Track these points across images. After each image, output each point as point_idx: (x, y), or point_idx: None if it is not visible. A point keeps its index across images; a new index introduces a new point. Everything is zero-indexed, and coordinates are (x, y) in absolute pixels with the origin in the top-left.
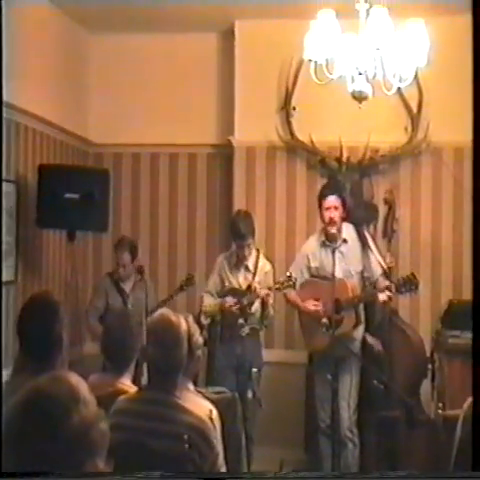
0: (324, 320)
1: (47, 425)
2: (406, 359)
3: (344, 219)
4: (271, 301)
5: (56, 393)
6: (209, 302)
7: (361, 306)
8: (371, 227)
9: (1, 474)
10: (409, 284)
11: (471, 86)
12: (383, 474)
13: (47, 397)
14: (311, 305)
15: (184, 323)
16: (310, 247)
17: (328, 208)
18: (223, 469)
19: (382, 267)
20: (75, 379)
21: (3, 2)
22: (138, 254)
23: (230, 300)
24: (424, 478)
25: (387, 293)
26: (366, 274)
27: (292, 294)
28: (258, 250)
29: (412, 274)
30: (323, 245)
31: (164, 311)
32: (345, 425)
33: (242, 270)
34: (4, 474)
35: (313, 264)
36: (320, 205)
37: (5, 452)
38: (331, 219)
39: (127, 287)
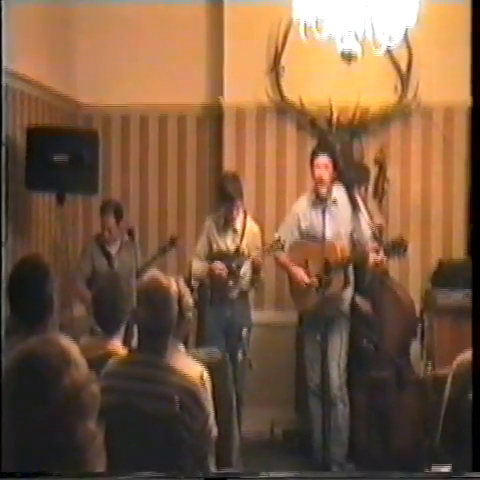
0: (313, 279)
1: (38, 387)
2: (396, 319)
3: (334, 180)
4: (261, 263)
5: (47, 355)
6: (198, 266)
7: (350, 268)
8: (362, 188)
9: (1, 474)
10: (398, 247)
11: (463, 46)
12: (387, 474)
13: (38, 359)
14: (300, 273)
15: (174, 285)
16: (300, 207)
17: (318, 166)
18: (214, 430)
19: (371, 229)
20: (66, 341)
21: (3, 2)
22: (123, 216)
23: (219, 265)
24: (424, 478)
25: (377, 256)
26: (356, 236)
27: (282, 256)
28: (245, 212)
29: (400, 237)
30: (313, 205)
31: (154, 273)
32: (335, 385)
33: (230, 232)
34: (4, 474)
35: (303, 224)
36: (312, 163)
37: None
38: (320, 177)
39: (113, 250)
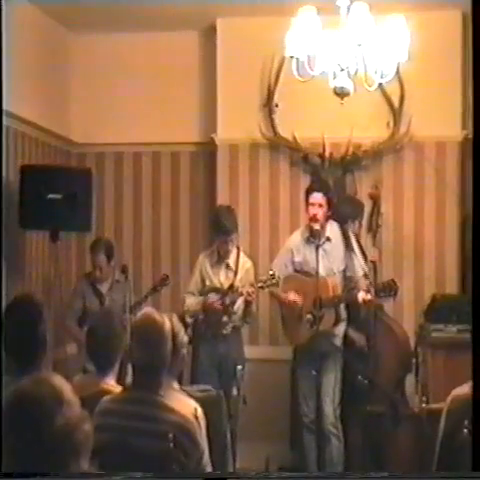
0: (308, 316)
1: (31, 427)
2: (391, 353)
3: (329, 217)
4: (254, 299)
5: (39, 395)
6: (191, 302)
7: (342, 305)
8: (356, 223)
9: (1, 474)
10: (388, 290)
11: (455, 81)
12: (374, 475)
13: (30, 400)
14: (292, 295)
15: (168, 322)
16: (294, 241)
17: (312, 204)
18: (209, 467)
19: (363, 268)
20: (58, 381)
21: (3, 2)
22: (114, 254)
23: (213, 297)
24: (424, 478)
25: (366, 295)
26: (348, 273)
27: (276, 290)
28: (238, 248)
29: (392, 280)
30: (307, 241)
31: (148, 310)
32: (329, 420)
33: (223, 268)
34: (4, 474)
35: (297, 258)
36: (306, 201)
37: None
38: (314, 216)
39: (104, 288)
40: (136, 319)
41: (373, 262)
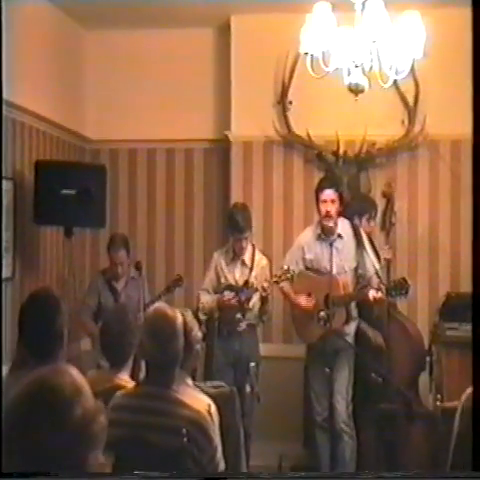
0: (322, 314)
1: (51, 417)
2: (405, 352)
3: (340, 214)
4: (269, 296)
5: (60, 385)
6: (206, 299)
7: (353, 303)
8: (369, 221)
9: (1, 474)
10: (400, 288)
11: (470, 79)
12: (382, 474)
13: (51, 388)
14: (303, 300)
15: (180, 316)
16: (306, 238)
17: (325, 201)
18: (222, 464)
19: (375, 266)
20: (76, 372)
21: (3, 2)
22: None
23: (228, 294)
24: (425, 478)
25: (377, 293)
26: (360, 271)
27: (287, 287)
28: (253, 245)
29: (403, 278)
30: (319, 238)
31: (160, 305)
32: (341, 419)
33: (239, 265)
34: (4, 474)
35: (308, 256)
36: (317, 198)
37: (7, 445)
38: (327, 212)
39: (119, 285)
40: (148, 314)
41: (387, 260)
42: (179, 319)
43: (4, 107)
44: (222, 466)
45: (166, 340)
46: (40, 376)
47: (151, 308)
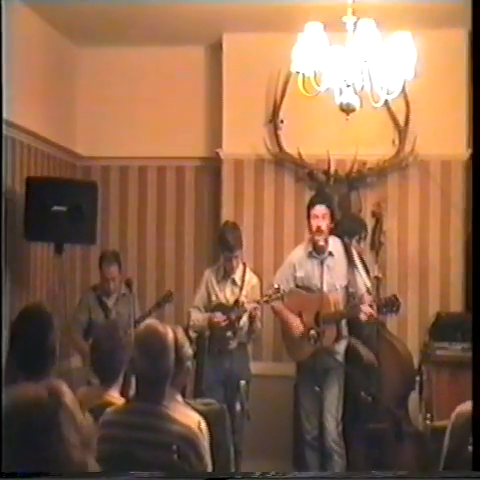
0: (312, 332)
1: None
2: (394, 371)
3: (332, 231)
4: (259, 315)
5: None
6: (197, 317)
7: (343, 321)
8: (361, 242)
9: (1, 474)
10: (390, 305)
11: (461, 100)
12: (379, 474)
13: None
14: (295, 323)
15: (171, 333)
16: (297, 256)
17: (316, 216)
18: None
19: (366, 285)
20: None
21: (3, 2)
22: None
23: (219, 316)
24: (423, 478)
25: (369, 311)
26: (351, 289)
27: (279, 305)
28: (244, 264)
29: (394, 296)
30: (310, 256)
31: (151, 321)
32: (331, 437)
33: (229, 284)
34: (4, 474)
35: (299, 274)
36: (308, 214)
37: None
38: (318, 227)
39: (110, 302)
40: (139, 330)
41: (377, 278)
42: (170, 335)
43: None
44: None
45: (157, 356)
46: (31, 397)
47: (142, 325)
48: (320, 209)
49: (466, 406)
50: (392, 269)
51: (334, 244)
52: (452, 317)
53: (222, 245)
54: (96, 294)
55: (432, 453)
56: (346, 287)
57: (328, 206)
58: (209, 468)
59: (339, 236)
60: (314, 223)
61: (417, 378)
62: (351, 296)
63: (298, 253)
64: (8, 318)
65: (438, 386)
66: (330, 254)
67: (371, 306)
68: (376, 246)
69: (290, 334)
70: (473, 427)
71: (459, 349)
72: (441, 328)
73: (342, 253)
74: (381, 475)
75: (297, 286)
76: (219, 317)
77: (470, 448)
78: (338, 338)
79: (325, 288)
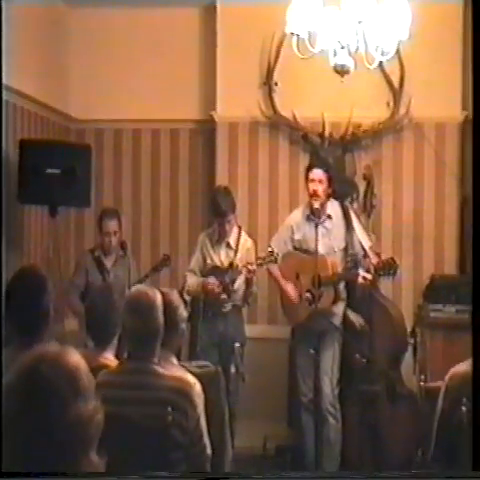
0: (307, 294)
1: (44, 418)
2: (386, 333)
3: (329, 195)
4: (254, 278)
5: (56, 379)
6: (192, 281)
7: (341, 283)
8: (353, 203)
9: (1, 474)
10: (388, 268)
11: (456, 62)
12: (379, 474)
13: (46, 382)
14: (293, 291)
15: (159, 295)
16: (295, 219)
17: (312, 180)
18: (206, 441)
19: (363, 248)
20: (75, 361)
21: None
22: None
23: (213, 280)
24: (422, 478)
25: (367, 274)
26: (350, 252)
27: (275, 269)
28: (240, 227)
29: (392, 258)
30: (307, 219)
31: (140, 286)
32: (327, 400)
33: (224, 247)
34: (4, 474)
35: (297, 236)
36: (306, 178)
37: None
38: (314, 192)
39: (109, 262)
40: (128, 293)
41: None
42: (158, 296)
43: None
44: (208, 450)
45: (145, 314)
46: (35, 364)
47: (132, 288)
48: (317, 173)
49: (461, 367)
50: (387, 232)
51: (332, 207)
52: (446, 279)
53: (214, 210)
54: (94, 256)
55: (426, 414)
56: (344, 249)
57: (326, 171)
58: (203, 424)
59: (337, 199)
60: (311, 187)
61: (411, 340)
62: (349, 258)
63: (295, 216)
64: (2, 281)
65: (432, 348)
66: (329, 217)
67: (369, 269)
68: (368, 209)
69: (287, 300)
70: (473, 390)
71: (453, 311)
72: (435, 290)
73: (340, 216)
74: (381, 475)
75: (295, 248)
76: (213, 282)
77: (464, 409)
78: (336, 300)
79: (323, 251)
